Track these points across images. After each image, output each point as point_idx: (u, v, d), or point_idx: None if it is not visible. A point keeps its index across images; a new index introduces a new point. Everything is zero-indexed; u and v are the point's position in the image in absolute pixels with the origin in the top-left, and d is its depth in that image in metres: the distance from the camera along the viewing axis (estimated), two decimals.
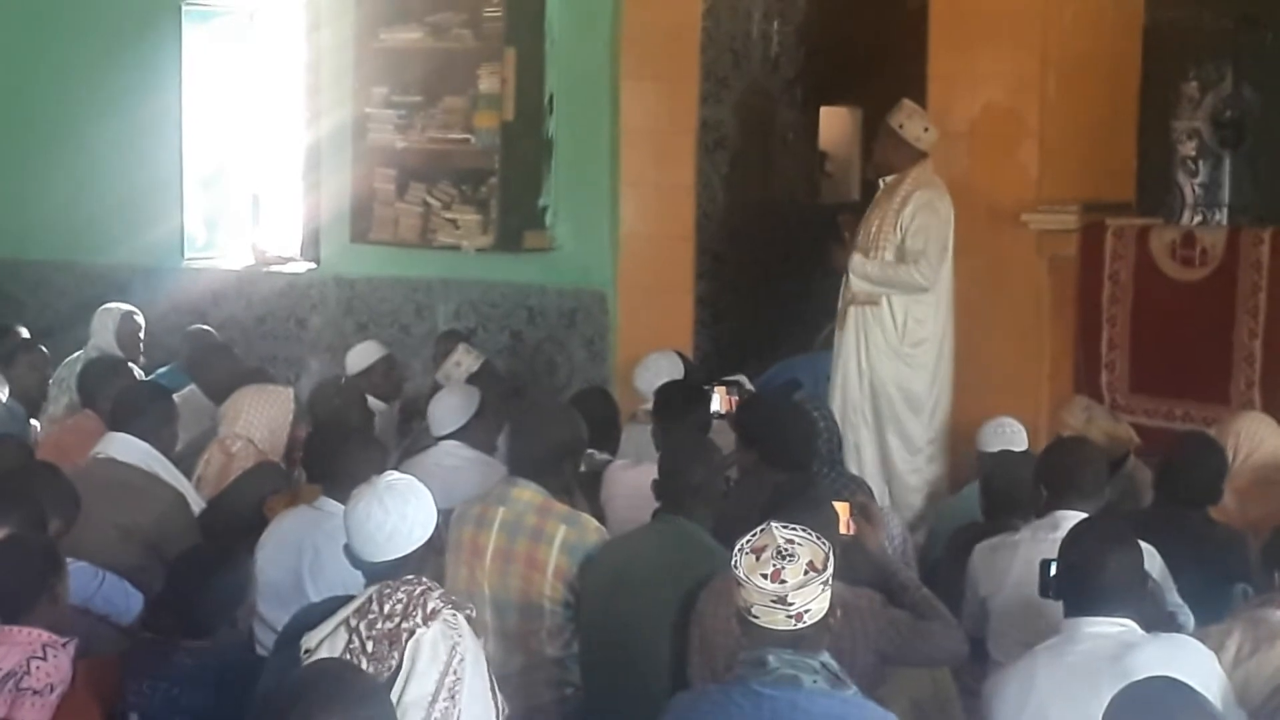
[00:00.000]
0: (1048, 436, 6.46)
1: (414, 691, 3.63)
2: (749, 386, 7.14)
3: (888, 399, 7.27)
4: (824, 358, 7.57)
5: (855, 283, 7.24)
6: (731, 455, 5.57)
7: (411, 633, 3.69)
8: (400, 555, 3.86)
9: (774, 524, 3.67)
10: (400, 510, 3.87)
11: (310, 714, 3.07)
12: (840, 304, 7.39)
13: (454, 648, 3.71)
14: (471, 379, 7.17)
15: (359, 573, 3.96)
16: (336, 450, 5.34)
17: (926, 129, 7.27)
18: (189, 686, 4.21)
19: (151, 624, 4.65)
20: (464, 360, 7.50)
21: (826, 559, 3.62)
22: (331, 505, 5.11)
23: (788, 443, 5.57)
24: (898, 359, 7.25)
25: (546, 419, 5.22)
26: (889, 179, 7.33)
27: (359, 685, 3.20)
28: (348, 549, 3.93)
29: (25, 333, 7.92)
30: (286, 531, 5.22)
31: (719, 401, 6.23)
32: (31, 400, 7.33)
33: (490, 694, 3.81)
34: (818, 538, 3.66)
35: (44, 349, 7.83)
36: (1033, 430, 6.53)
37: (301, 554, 5.09)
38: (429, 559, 3.98)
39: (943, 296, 7.27)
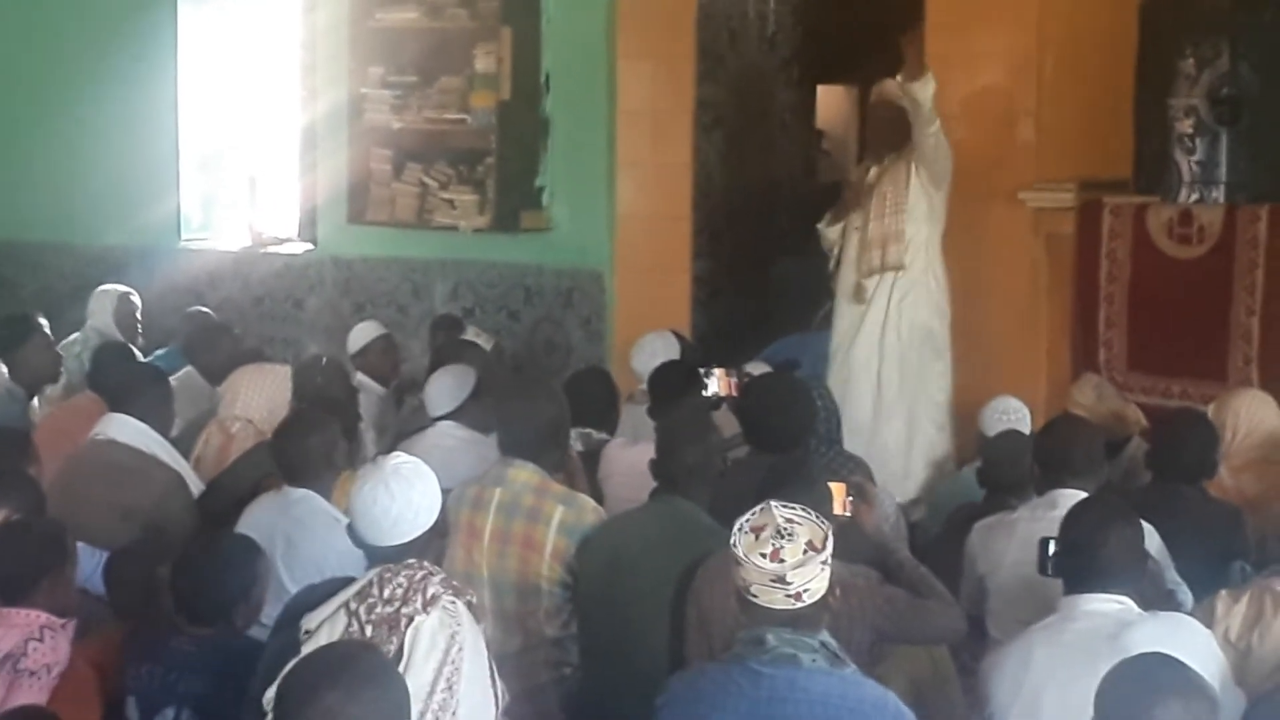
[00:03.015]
0: (1046, 415, 6.43)
1: (412, 683, 3.60)
2: (756, 370, 6.99)
3: (933, 350, 7.15)
4: (822, 337, 7.49)
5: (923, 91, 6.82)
6: (735, 437, 5.56)
7: (410, 618, 3.68)
8: (404, 541, 3.85)
9: (773, 503, 3.67)
10: (406, 496, 3.85)
11: (313, 692, 3.06)
12: (853, 277, 7.21)
13: (453, 636, 3.69)
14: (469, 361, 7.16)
15: (333, 558, 3.95)
16: (288, 437, 5.25)
17: None
18: (187, 673, 4.20)
19: (148, 608, 4.64)
20: (478, 340, 7.48)
21: (825, 538, 3.63)
22: (296, 492, 5.08)
23: (786, 423, 5.54)
24: (937, 315, 7.16)
25: (531, 399, 5.19)
26: (890, 157, 7.26)
27: (365, 664, 3.18)
28: (351, 530, 3.93)
29: (45, 323, 7.89)
30: (257, 520, 5.07)
31: (718, 384, 6.06)
32: (40, 381, 7.32)
33: (490, 681, 3.80)
34: (817, 517, 3.66)
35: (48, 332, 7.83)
36: (1031, 409, 6.51)
37: (274, 543, 4.91)
38: (433, 542, 3.98)
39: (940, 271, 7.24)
